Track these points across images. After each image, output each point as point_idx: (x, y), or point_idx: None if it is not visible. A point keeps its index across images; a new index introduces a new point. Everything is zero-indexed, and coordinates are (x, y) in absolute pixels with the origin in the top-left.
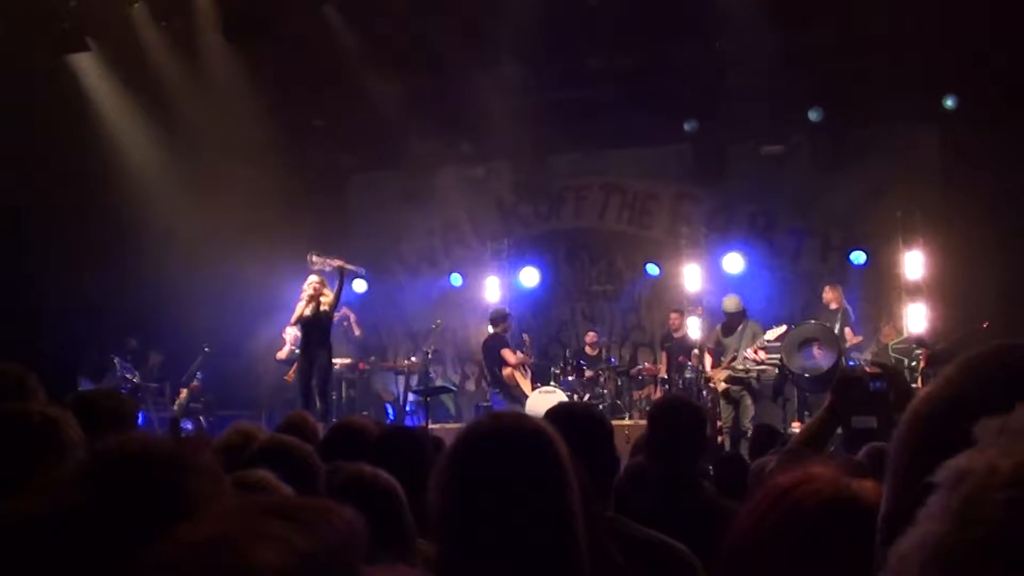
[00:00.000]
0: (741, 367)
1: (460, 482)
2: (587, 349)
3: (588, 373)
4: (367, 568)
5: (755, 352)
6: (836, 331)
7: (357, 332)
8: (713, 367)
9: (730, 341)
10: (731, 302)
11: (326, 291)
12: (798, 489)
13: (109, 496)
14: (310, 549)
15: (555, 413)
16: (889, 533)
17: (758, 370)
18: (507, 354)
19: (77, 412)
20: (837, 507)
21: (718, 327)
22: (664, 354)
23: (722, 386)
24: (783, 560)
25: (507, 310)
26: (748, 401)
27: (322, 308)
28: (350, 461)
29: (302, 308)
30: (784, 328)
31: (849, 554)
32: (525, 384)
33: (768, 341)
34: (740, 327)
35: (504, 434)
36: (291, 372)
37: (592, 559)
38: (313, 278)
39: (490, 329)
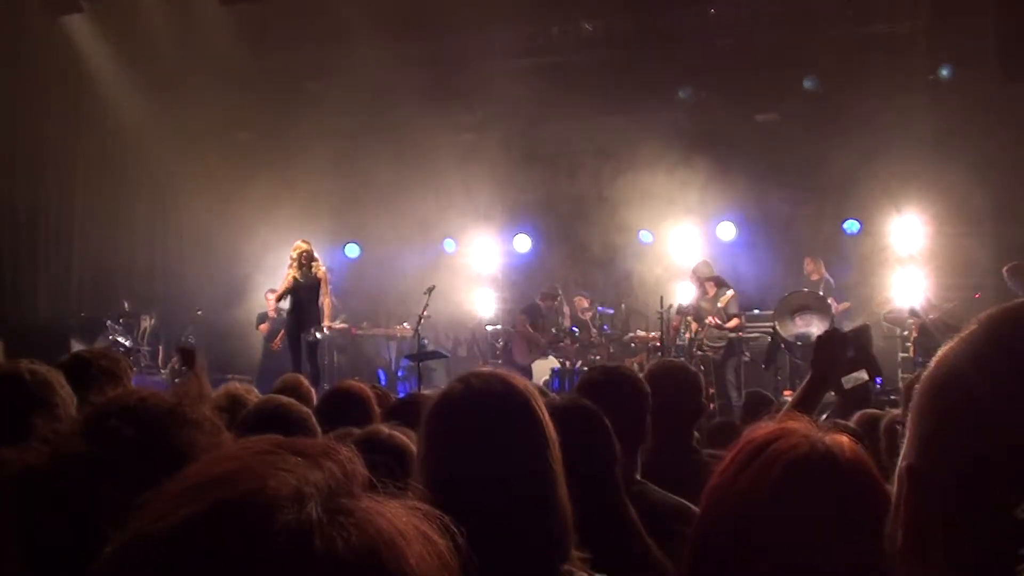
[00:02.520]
0: (712, 337)
1: (443, 436)
2: (579, 314)
3: (581, 342)
4: (366, 498)
5: (713, 320)
6: None
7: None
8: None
9: (706, 306)
10: (704, 267)
11: (316, 257)
12: (773, 443)
13: (108, 446)
14: (320, 480)
15: (591, 382)
16: (914, 485)
17: (732, 337)
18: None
19: (73, 371)
20: (810, 460)
21: (695, 295)
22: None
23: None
24: (759, 512)
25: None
26: (731, 364)
27: (313, 271)
28: (346, 425)
29: (291, 275)
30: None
31: (823, 504)
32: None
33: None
34: (714, 292)
35: (478, 392)
36: (277, 340)
37: (612, 522)
38: (300, 243)
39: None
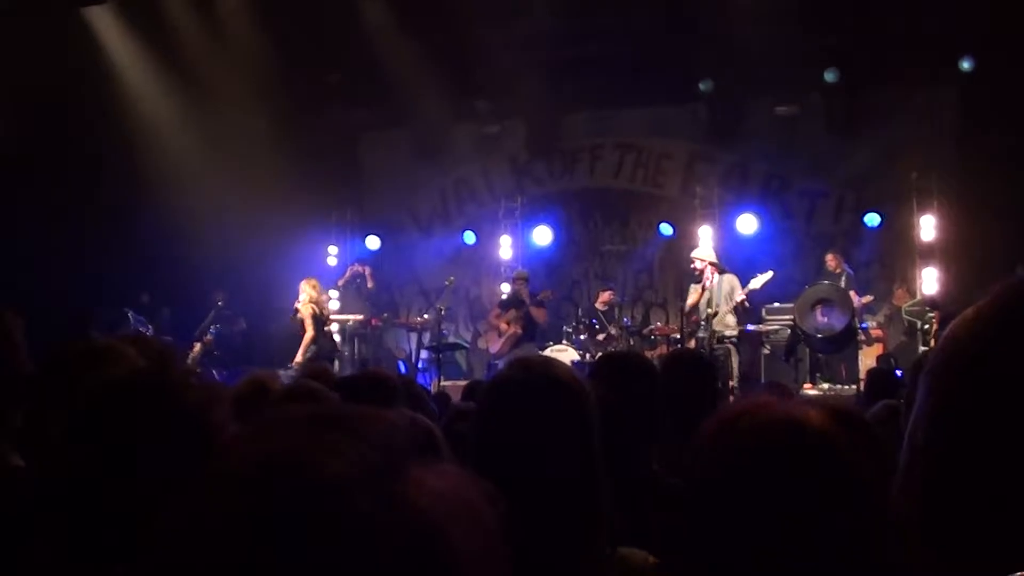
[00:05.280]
0: (724, 324)
1: (495, 415)
2: (598, 305)
3: (601, 335)
4: (416, 467)
5: (732, 308)
6: None
7: (371, 284)
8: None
9: (707, 293)
10: (701, 251)
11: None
12: (744, 416)
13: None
14: (370, 456)
15: (602, 367)
16: (925, 454)
17: (752, 330)
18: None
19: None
20: (782, 433)
21: (693, 284)
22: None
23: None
24: (732, 486)
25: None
26: (733, 360)
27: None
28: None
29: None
30: (769, 274)
31: (795, 478)
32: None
33: (755, 289)
34: (716, 280)
35: (529, 373)
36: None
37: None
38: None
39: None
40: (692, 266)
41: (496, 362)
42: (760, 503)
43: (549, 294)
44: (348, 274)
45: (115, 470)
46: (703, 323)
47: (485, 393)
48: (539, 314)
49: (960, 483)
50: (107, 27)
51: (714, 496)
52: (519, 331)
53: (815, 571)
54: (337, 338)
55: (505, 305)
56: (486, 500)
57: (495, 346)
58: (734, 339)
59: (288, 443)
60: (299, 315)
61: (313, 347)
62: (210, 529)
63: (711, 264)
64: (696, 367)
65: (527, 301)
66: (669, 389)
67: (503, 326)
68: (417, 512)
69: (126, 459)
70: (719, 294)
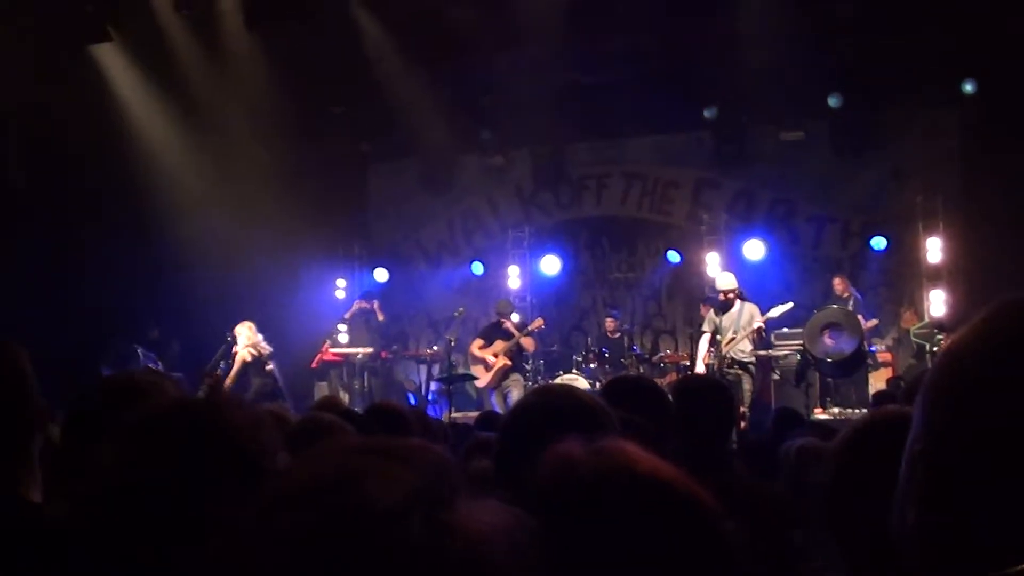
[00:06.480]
0: (739, 349)
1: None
2: (607, 334)
3: (610, 364)
4: (464, 501)
5: (750, 336)
6: None
7: (381, 317)
8: (709, 348)
9: (727, 321)
10: (726, 280)
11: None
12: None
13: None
14: (420, 484)
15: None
16: (926, 466)
17: (762, 355)
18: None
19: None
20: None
21: (712, 308)
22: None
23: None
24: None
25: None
26: (746, 385)
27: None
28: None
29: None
30: (789, 304)
31: (626, 522)
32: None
33: (773, 318)
34: (736, 307)
35: (550, 398)
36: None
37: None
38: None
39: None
40: (722, 297)
41: (491, 391)
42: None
43: (540, 323)
44: (355, 308)
45: (165, 500)
46: (712, 349)
47: (508, 421)
48: (529, 344)
49: (958, 490)
50: (115, 64)
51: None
52: (508, 363)
53: None
54: (344, 371)
55: (488, 336)
56: (529, 533)
57: (483, 380)
58: (751, 364)
59: (343, 470)
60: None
61: (258, 381)
62: (264, 551)
63: (735, 292)
64: (714, 393)
65: (514, 332)
66: (685, 414)
67: (490, 358)
68: (465, 541)
69: (176, 488)
70: (738, 321)
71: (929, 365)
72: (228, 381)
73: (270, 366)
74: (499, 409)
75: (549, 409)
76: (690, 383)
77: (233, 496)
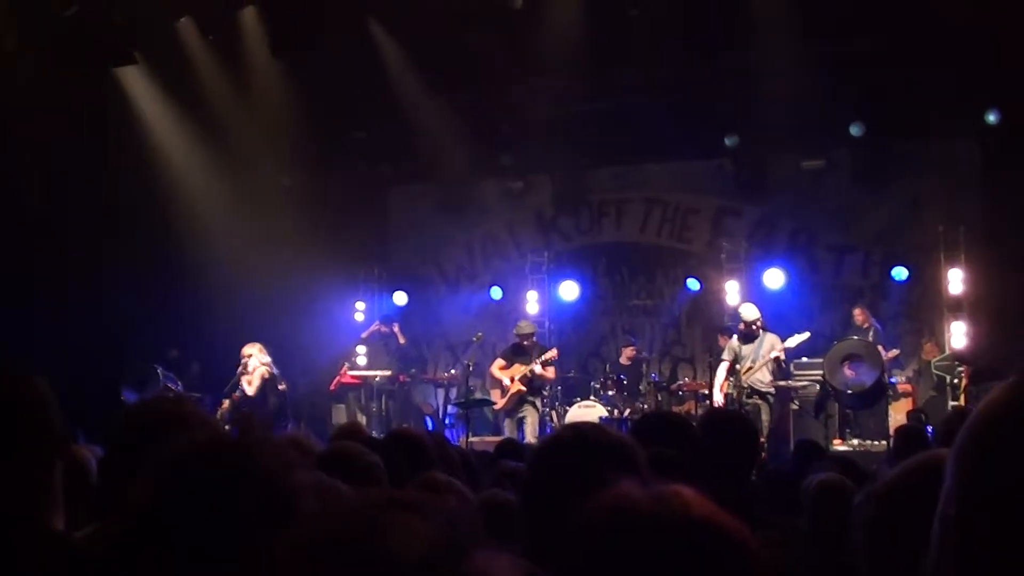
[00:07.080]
0: (758, 379)
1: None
2: (623, 361)
3: (628, 392)
4: (478, 552)
5: (768, 365)
6: None
7: (402, 340)
8: (727, 377)
9: (748, 351)
10: (750, 310)
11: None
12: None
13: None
14: (437, 536)
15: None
16: (960, 531)
17: (781, 385)
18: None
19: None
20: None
21: (735, 337)
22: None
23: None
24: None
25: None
26: (764, 415)
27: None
28: (405, 470)
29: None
30: (806, 334)
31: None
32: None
33: (789, 348)
34: (758, 337)
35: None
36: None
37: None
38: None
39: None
40: (743, 327)
41: (505, 415)
42: None
43: (554, 353)
44: (372, 328)
45: (195, 541)
46: (731, 378)
47: (538, 455)
48: (549, 373)
49: (993, 556)
50: (138, 86)
51: None
52: (523, 389)
53: None
54: (362, 394)
55: (509, 357)
56: None
57: (499, 403)
58: (769, 394)
59: (363, 520)
60: (250, 377)
61: (272, 399)
62: None
63: (759, 323)
64: (739, 427)
65: (534, 358)
66: (711, 448)
67: (507, 381)
68: None
69: (207, 529)
70: (759, 350)
71: (950, 398)
72: (252, 392)
73: (283, 385)
74: (508, 433)
75: (581, 446)
76: (716, 417)
77: (262, 538)
